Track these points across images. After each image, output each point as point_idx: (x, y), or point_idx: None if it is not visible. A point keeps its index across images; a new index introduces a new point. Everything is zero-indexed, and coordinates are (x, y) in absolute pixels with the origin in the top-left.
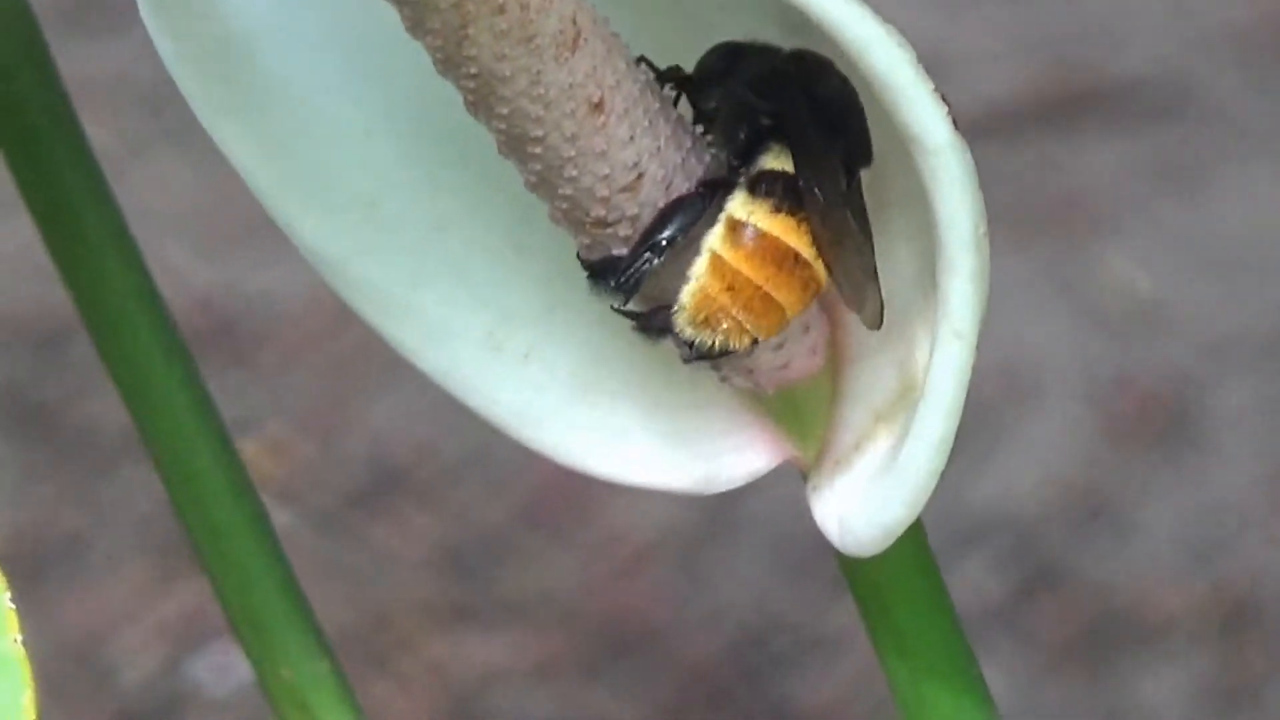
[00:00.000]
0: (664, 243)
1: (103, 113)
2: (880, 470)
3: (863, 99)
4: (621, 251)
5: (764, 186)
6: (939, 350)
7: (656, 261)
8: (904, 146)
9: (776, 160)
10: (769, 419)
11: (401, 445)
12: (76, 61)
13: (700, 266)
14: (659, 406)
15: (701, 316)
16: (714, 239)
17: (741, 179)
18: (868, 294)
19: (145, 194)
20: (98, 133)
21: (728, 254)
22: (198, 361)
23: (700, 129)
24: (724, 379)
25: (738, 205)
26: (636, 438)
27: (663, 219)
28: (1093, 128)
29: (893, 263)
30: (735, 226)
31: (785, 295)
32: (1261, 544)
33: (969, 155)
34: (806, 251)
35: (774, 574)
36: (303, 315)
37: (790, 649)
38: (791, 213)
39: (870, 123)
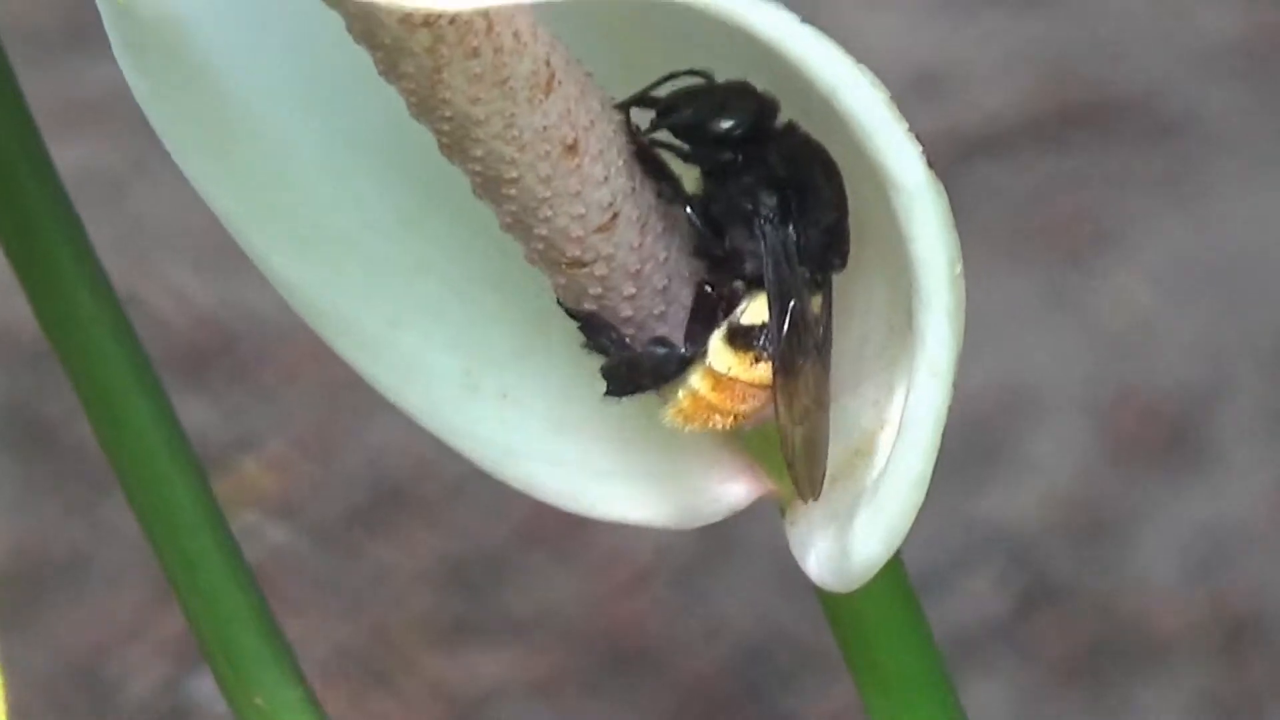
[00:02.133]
0: (645, 385)
1: (105, 131)
2: (857, 506)
3: (838, 139)
4: (597, 295)
5: (741, 340)
6: (915, 389)
7: (638, 391)
8: (879, 186)
9: (755, 313)
10: (746, 454)
11: (402, 462)
12: (79, 79)
13: (682, 396)
14: (636, 443)
15: (687, 424)
16: (695, 380)
17: (721, 326)
18: (816, 468)
19: (148, 212)
20: (101, 151)
21: (709, 394)
22: (200, 379)
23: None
24: None
25: (718, 356)
26: (614, 475)
27: (640, 366)
28: (1094, 143)
29: (868, 301)
30: (717, 378)
31: (762, 403)
32: (1263, 559)
33: (944, 195)
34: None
35: (772, 590)
36: (304, 333)
37: (789, 665)
38: (770, 358)
39: (847, 160)
